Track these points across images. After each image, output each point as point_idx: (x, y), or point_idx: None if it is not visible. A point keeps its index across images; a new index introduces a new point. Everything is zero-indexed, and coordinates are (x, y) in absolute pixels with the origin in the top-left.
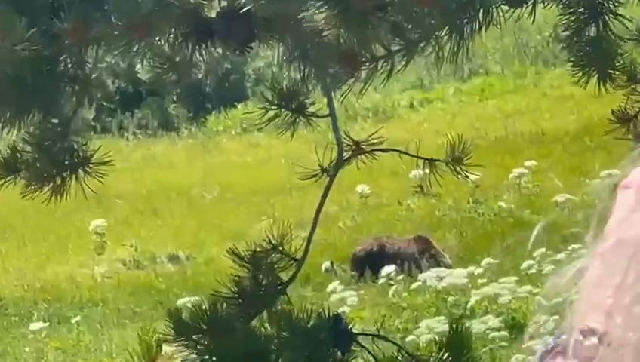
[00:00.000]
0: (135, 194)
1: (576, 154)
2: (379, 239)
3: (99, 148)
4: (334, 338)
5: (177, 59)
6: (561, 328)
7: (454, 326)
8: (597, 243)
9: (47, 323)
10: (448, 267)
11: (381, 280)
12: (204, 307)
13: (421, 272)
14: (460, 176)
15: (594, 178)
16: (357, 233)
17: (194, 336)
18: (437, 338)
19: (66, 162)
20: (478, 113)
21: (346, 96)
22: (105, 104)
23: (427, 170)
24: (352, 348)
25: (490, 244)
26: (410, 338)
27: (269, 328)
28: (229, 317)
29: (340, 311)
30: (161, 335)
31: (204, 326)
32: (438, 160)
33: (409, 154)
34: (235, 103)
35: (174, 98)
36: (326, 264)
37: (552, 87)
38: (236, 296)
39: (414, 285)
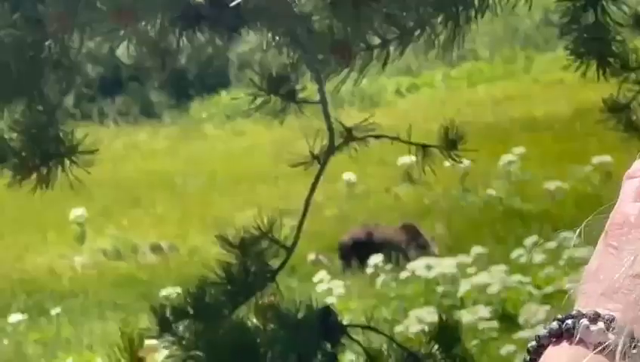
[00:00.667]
0: (116, 182)
1: (567, 141)
2: (366, 227)
3: (85, 136)
4: (324, 330)
5: (163, 45)
6: (566, 312)
7: (443, 317)
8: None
9: (26, 316)
10: (435, 255)
11: (369, 270)
12: (191, 291)
13: (409, 261)
14: (454, 162)
15: (585, 165)
16: (343, 222)
17: (180, 329)
18: (426, 330)
19: (52, 151)
20: (466, 99)
21: (341, 86)
22: (85, 90)
23: (419, 157)
24: (342, 340)
25: (479, 233)
26: (399, 328)
27: (255, 320)
28: (217, 303)
29: (327, 301)
30: (144, 330)
31: (191, 311)
32: (432, 145)
33: (402, 141)
34: (218, 89)
35: (156, 84)
36: (311, 256)
37: (543, 72)
38: (224, 281)
39: (403, 275)
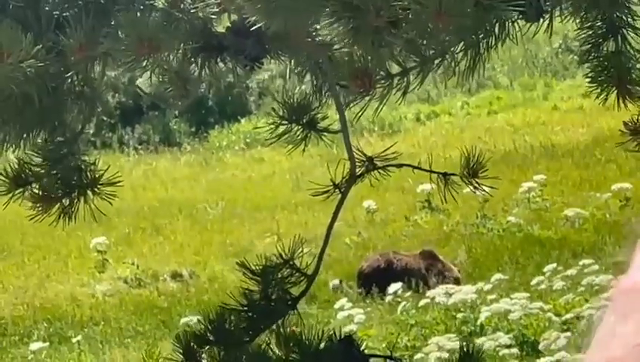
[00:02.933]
0: (136, 210)
1: (587, 168)
2: (385, 255)
3: (108, 167)
4: (346, 360)
5: (185, 75)
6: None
7: (465, 345)
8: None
9: (48, 343)
10: (456, 280)
11: (388, 297)
12: (211, 317)
13: (429, 288)
14: (476, 191)
15: (605, 192)
16: (363, 249)
17: (203, 358)
18: (447, 358)
19: (74, 182)
20: (486, 127)
21: (361, 114)
22: (105, 119)
23: (440, 185)
24: None
25: (499, 260)
26: (419, 356)
27: (277, 350)
28: (237, 331)
29: (347, 329)
30: (166, 360)
31: (212, 338)
32: (453, 173)
33: (423, 169)
34: (239, 117)
35: (176, 113)
36: (334, 282)
37: (562, 99)
38: (245, 309)
39: (422, 302)
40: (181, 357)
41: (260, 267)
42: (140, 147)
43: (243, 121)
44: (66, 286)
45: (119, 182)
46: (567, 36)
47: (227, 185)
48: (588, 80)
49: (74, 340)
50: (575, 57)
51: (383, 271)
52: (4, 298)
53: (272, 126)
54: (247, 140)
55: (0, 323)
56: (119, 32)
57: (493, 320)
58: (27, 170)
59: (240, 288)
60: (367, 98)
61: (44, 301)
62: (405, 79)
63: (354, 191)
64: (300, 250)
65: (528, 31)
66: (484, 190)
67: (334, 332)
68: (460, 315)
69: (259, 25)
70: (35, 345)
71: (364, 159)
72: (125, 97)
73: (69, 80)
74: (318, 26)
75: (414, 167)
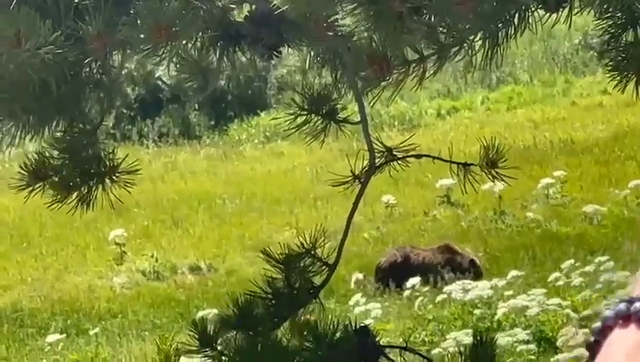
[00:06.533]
0: (155, 203)
1: (606, 164)
2: (402, 250)
3: (126, 156)
4: (361, 350)
5: (204, 65)
6: (633, 297)
7: (479, 337)
8: None
9: (65, 335)
10: (477, 274)
11: (406, 292)
12: (240, 304)
13: (446, 282)
14: (495, 180)
15: (623, 189)
16: (382, 243)
17: (219, 345)
18: (461, 350)
19: (92, 171)
20: (506, 122)
21: (376, 101)
22: (125, 111)
23: (460, 177)
24: (379, 361)
25: (517, 256)
26: (436, 350)
27: (292, 339)
28: (263, 318)
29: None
30: (182, 346)
31: (238, 324)
32: (473, 164)
33: (443, 160)
34: (258, 111)
35: (196, 106)
36: (357, 276)
37: (582, 95)
38: (269, 296)
39: (440, 297)
40: (197, 342)
41: (283, 256)
42: (159, 140)
43: (262, 114)
44: (84, 278)
45: (137, 170)
46: (587, 33)
47: (246, 178)
48: (608, 69)
49: (91, 332)
50: (595, 54)
51: (400, 265)
52: (22, 289)
53: (292, 116)
54: (267, 134)
55: (17, 314)
56: (137, 20)
57: (511, 316)
58: (46, 164)
59: (264, 276)
60: (383, 84)
61: (62, 293)
62: (422, 66)
63: (373, 186)
64: (322, 239)
65: (547, 22)
66: (502, 180)
67: (350, 323)
68: (477, 311)
69: (282, 9)
70: (52, 337)
71: (384, 150)
72: (145, 90)
73: (87, 68)
74: (338, 16)
75: (433, 157)
